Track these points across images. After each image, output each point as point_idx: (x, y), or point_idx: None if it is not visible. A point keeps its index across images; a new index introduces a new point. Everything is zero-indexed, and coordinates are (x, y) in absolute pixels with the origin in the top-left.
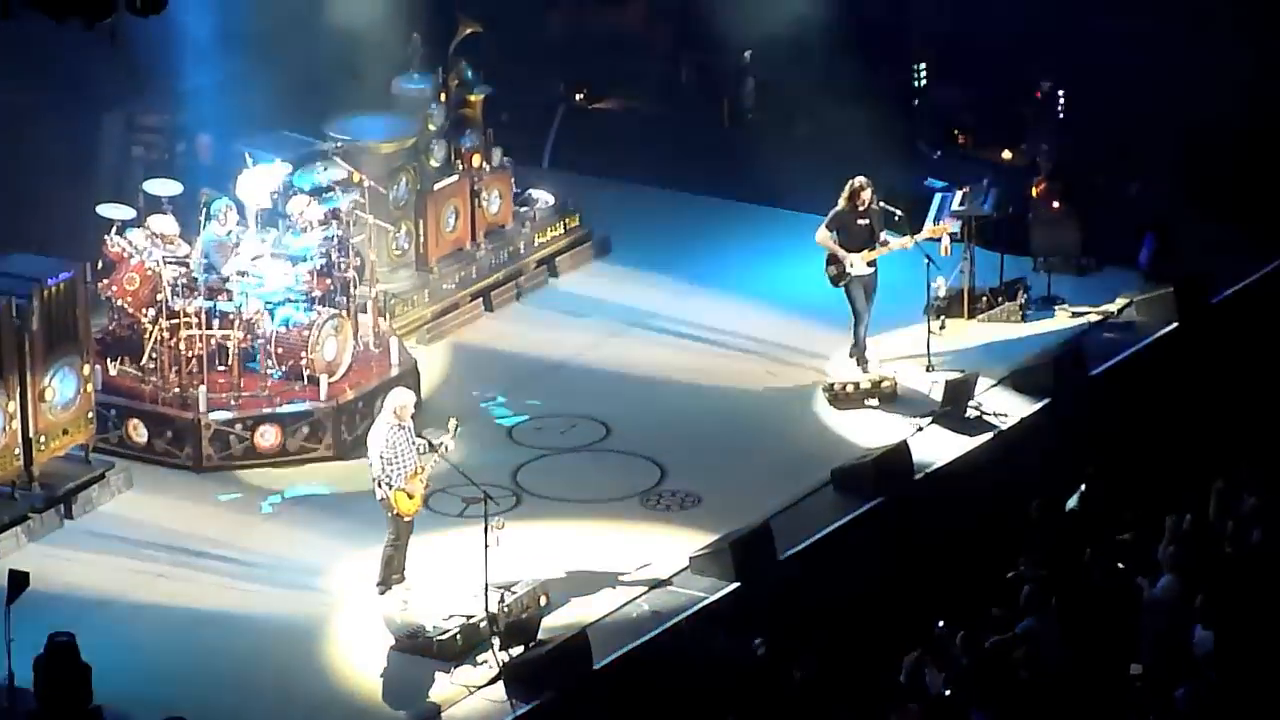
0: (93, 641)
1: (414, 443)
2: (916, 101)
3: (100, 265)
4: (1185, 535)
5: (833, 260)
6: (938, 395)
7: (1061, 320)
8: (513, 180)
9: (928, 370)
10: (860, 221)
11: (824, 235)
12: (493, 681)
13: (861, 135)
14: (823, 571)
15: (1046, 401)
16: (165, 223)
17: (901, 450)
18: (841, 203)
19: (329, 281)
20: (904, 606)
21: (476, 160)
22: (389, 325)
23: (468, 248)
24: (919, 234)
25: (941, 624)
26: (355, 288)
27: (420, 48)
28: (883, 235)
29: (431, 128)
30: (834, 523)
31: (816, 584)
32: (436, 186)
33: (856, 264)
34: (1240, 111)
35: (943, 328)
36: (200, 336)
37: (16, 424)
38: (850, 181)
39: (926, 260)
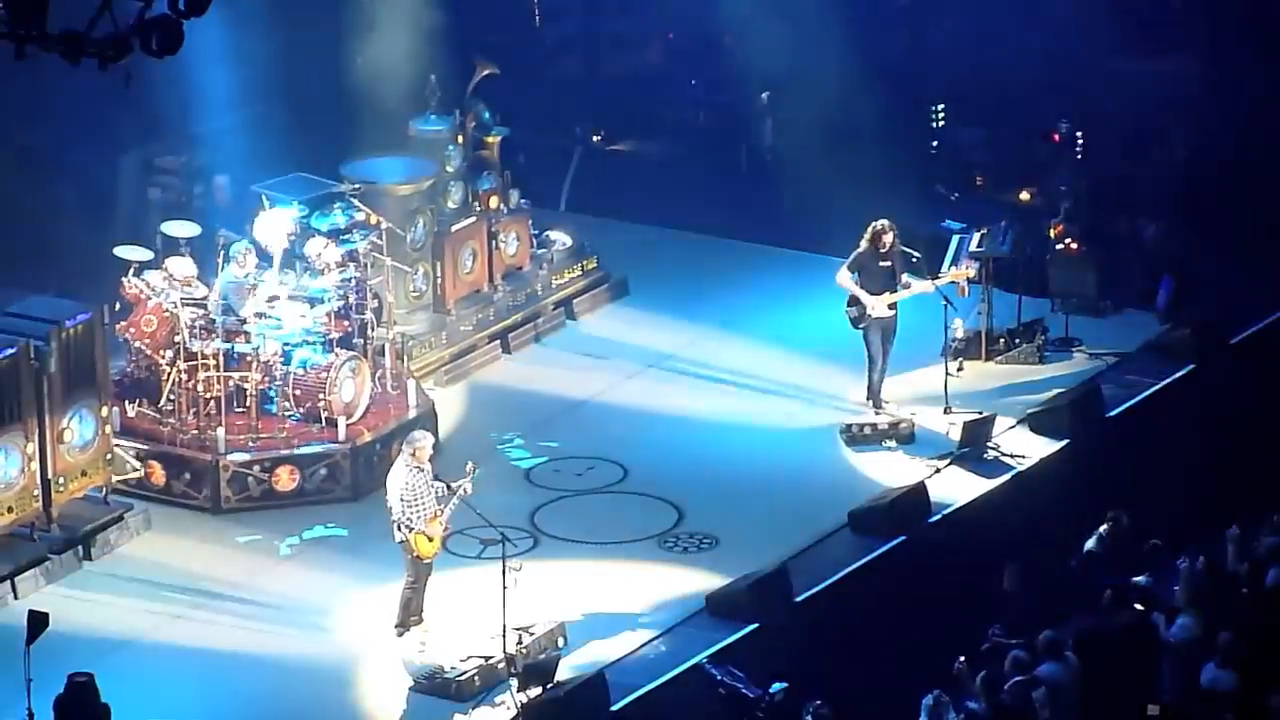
0: (111, 682)
1: (433, 485)
2: (935, 143)
3: (118, 307)
4: (1200, 576)
5: (854, 302)
6: (955, 436)
7: (1079, 362)
8: (530, 222)
9: (945, 412)
10: (882, 264)
11: (845, 277)
12: None
13: (879, 177)
14: (840, 613)
15: (1064, 443)
16: (183, 264)
17: (919, 491)
18: (863, 244)
19: (346, 323)
20: (922, 647)
21: (494, 202)
22: (407, 367)
23: (485, 289)
24: (939, 277)
25: (961, 660)
26: (373, 329)
27: (438, 90)
28: (904, 278)
29: (449, 169)
30: (851, 564)
31: (834, 625)
32: (454, 228)
33: (877, 306)
34: (1258, 152)
35: (960, 369)
36: (218, 378)
37: (35, 466)
38: (873, 224)
39: (944, 302)
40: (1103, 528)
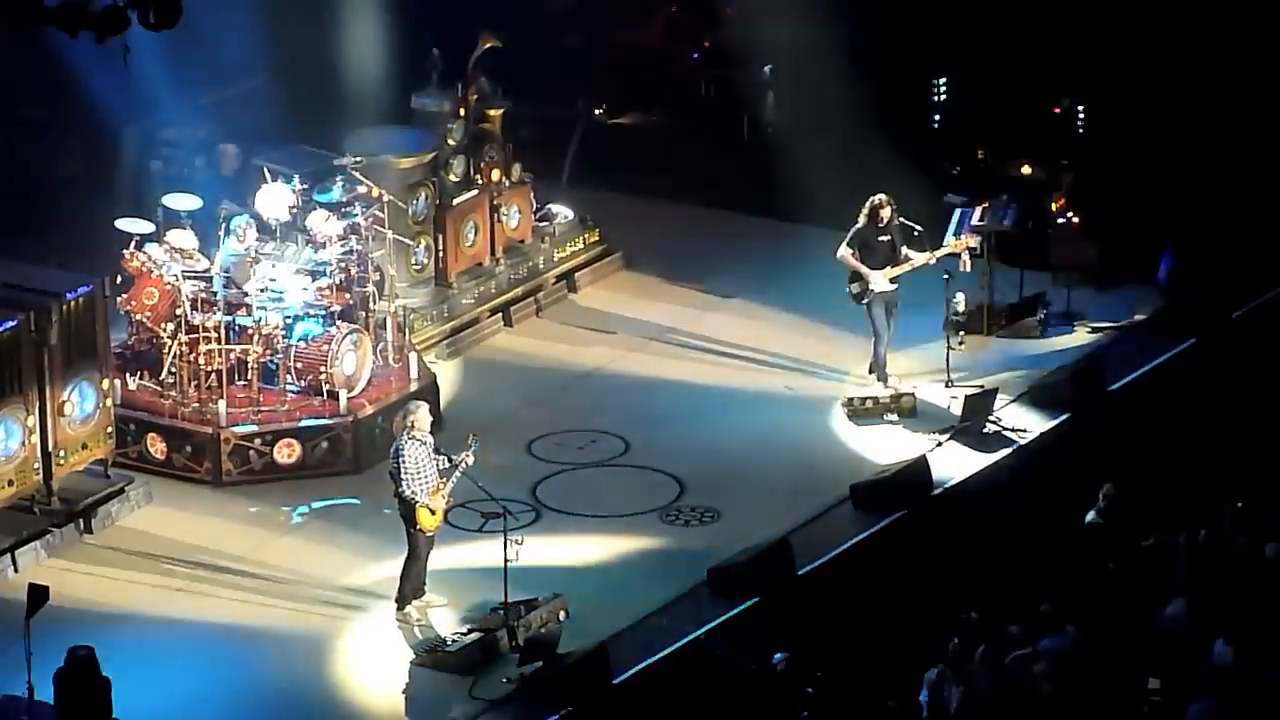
0: (112, 655)
1: (435, 458)
2: (936, 117)
3: (119, 280)
4: (1200, 551)
5: (855, 278)
6: (957, 410)
7: (1080, 335)
8: (532, 195)
9: (947, 385)
10: (881, 238)
11: (845, 253)
12: (512, 696)
13: (881, 151)
14: (842, 586)
15: (1065, 416)
16: (184, 237)
17: (920, 465)
18: (862, 220)
19: (348, 296)
20: (923, 621)
21: (496, 175)
22: (408, 340)
23: (487, 263)
24: (940, 249)
25: (963, 628)
26: (374, 303)
27: (440, 63)
28: (904, 251)
29: (451, 143)
30: (853, 538)
31: (836, 599)
32: (456, 202)
33: (879, 281)
34: (1259, 124)
35: (962, 343)
36: (219, 351)
37: (36, 438)
38: (870, 199)
39: (946, 276)
40: (1100, 500)
